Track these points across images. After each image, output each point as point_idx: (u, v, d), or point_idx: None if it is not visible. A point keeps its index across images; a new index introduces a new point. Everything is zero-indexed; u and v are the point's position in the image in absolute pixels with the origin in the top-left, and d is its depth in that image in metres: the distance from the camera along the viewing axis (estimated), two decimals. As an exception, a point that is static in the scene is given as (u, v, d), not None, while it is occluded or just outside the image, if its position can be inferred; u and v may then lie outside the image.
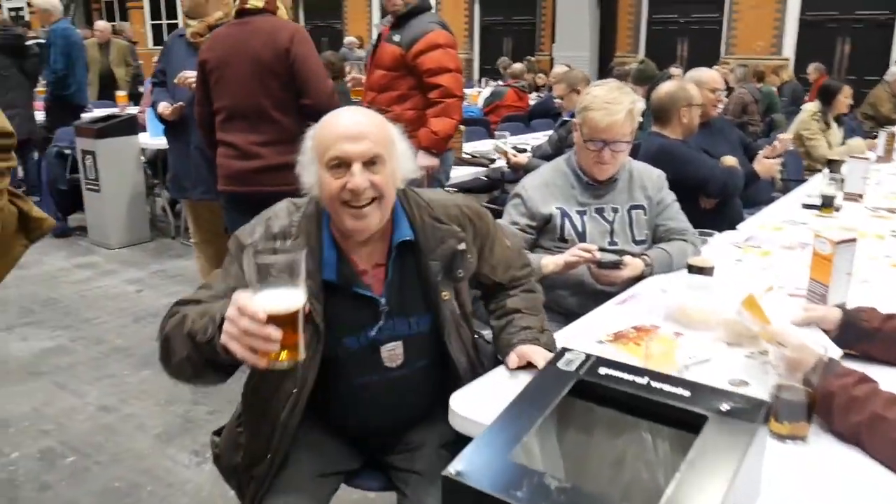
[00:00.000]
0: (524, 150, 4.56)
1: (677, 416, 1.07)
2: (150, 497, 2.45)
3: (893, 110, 7.33)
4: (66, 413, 2.99)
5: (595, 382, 1.14)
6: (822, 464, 1.27)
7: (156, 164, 5.73)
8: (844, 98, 5.49)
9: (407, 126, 3.58)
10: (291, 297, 1.13)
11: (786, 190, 4.97)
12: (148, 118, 5.25)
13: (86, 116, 6.06)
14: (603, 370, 1.17)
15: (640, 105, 2.31)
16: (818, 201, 3.25)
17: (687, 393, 1.09)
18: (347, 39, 13.31)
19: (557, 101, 4.39)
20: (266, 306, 1.11)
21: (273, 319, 1.11)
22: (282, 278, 1.12)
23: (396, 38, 3.30)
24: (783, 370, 1.35)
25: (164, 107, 3.61)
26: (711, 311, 1.85)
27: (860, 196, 3.46)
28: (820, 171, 5.22)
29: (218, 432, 1.72)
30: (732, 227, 2.96)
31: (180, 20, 3.53)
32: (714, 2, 13.27)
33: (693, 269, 2.11)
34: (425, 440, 1.63)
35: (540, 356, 1.54)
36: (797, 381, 1.34)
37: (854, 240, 1.91)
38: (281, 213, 1.53)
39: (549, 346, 1.61)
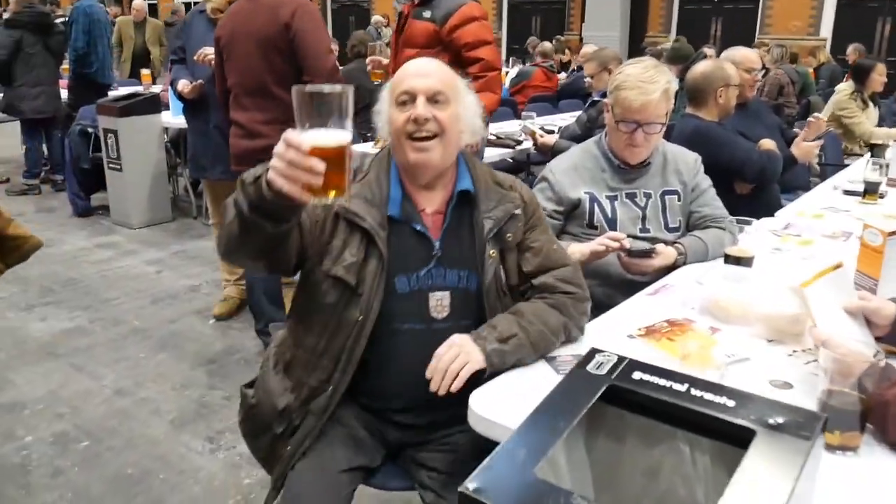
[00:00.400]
0: (551, 132, 4.42)
1: (720, 427, 0.96)
2: (161, 485, 2.40)
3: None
4: (81, 396, 2.95)
5: (628, 388, 1.03)
6: (874, 477, 1.16)
7: (178, 143, 5.68)
8: (878, 76, 5.28)
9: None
10: (338, 134, 1.12)
11: (823, 175, 4.78)
12: (170, 96, 5.19)
13: (111, 95, 6.02)
14: (637, 374, 1.06)
15: (675, 84, 2.18)
16: (861, 187, 3.09)
17: (731, 402, 0.98)
18: (375, 18, 13.17)
19: (587, 80, 4.24)
20: (312, 140, 1.11)
21: (318, 153, 1.11)
22: (329, 114, 1.11)
23: (427, 14, 3.16)
24: (834, 374, 1.23)
25: (184, 84, 3.54)
26: (750, 304, 1.73)
27: (905, 183, 3.30)
28: (859, 154, 5.07)
29: (250, 385, 1.69)
30: (770, 214, 2.82)
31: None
32: (750, -20, 12.90)
33: (730, 260, 1.98)
34: (460, 442, 1.56)
35: (450, 354, 1.43)
36: (848, 387, 1.22)
37: (905, 230, 1.78)
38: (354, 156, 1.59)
39: (490, 353, 1.45)
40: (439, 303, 1.57)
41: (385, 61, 3.65)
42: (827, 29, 12.30)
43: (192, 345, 3.45)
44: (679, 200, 2.26)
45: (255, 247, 1.37)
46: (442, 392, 1.43)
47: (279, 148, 1.13)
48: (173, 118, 5.27)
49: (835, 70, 8.88)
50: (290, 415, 1.56)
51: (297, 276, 1.62)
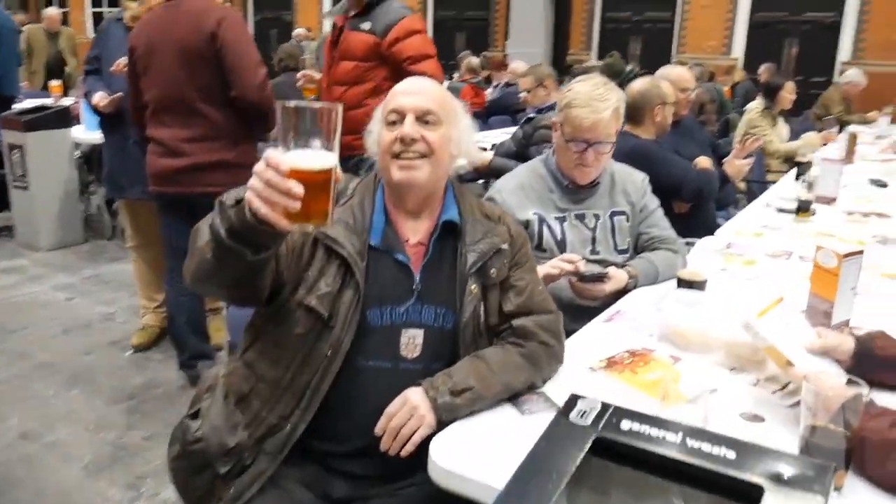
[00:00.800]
0: (484, 150, 4.35)
1: (723, 482, 0.87)
2: (76, 540, 2.17)
3: (844, 112, 7.40)
4: (-19, 441, 2.67)
5: (619, 441, 0.93)
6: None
7: (91, 159, 5.35)
8: (787, 94, 5.45)
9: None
10: (322, 157, 1.03)
11: (749, 191, 4.90)
12: (83, 110, 4.88)
13: (15, 107, 5.62)
14: (626, 424, 0.96)
15: (624, 102, 2.13)
16: (792, 205, 3.13)
17: (732, 454, 0.89)
18: (296, 32, 12.89)
19: (523, 95, 4.20)
20: (293, 161, 1.02)
21: (299, 176, 1.02)
22: (313, 134, 1.02)
23: (366, 25, 3.03)
24: (817, 410, 1.17)
25: (101, 97, 3.33)
26: (710, 331, 1.67)
27: (833, 199, 3.37)
28: (779, 171, 5.22)
29: (194, 415, 1.51)
30: (708, 233, 2.81)
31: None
32: (667, 0, 13.30)
33: (683, 283, 1.94)
34: (413, 496, 1.42)
35: (402, 415, 1.35)
36: (832, 423, 1.16)
37: (861, 252, 1.76)
38: (349, 183, 1.53)
39: (440, 408, 1.34)
40: (411, 341, 1.46)
41: (317, 76, 3.50)
42: (739, 49, 12.79)
43: (108, 379, 3.19)
44: (627, 221, 2.21)
45: (230, 275, 1.25)
46: (392, 453, 1.35)
47: (259, 167, 1.04)
48: (86, 133, 4.96)
49: (749, 88, 9.21)
50: (242, 453, 1.41)
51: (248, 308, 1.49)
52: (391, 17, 3.00)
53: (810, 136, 5.72)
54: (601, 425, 0.97)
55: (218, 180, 2.45)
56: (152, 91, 2.77)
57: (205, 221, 1.24)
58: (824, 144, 5.53)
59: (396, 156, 1.44)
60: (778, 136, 5.53)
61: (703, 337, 1.68)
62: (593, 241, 2.15)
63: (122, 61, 3.07)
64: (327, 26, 3.47)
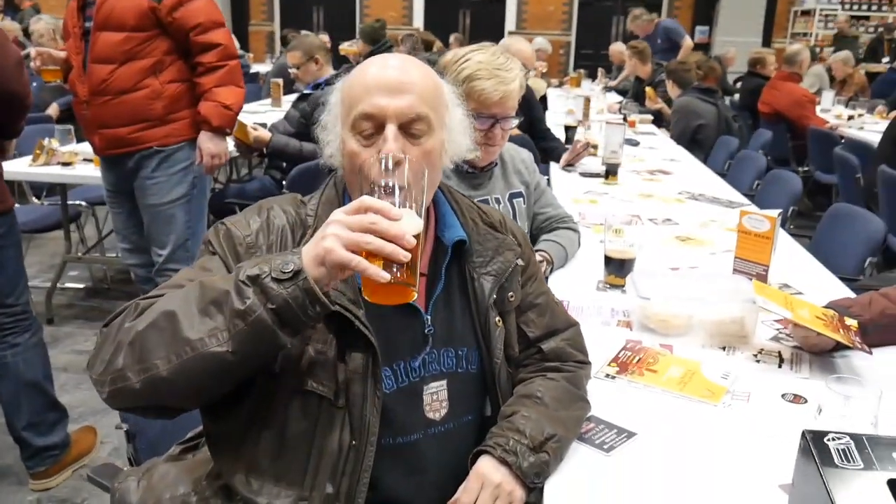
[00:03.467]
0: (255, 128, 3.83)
1: None
2: None
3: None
4: None
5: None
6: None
7: None
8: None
9: (174, 105, 2.66)
10: (413, 216, 0.90)
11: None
12: None
13: None
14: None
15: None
16: (600, 171, 3.25)
17: None
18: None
19: (293, 71, 3.75)
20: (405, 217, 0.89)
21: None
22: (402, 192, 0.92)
23: (139, -15, 2.38)
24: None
25: None
26: (692, 312, 1.60)
27: (619, 163, 3.56)
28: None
29: None
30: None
31: None
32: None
33: (614, 263, 1.85)
34: None
35: (487, 499, 1.06)
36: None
37: (780, 214, 1.82)
38: (283, 205, 1.14)
39: (527, 473, 1.07)
40: (435, 399, 1.14)
41: (60, 54, 2.69)
42: (419, 20, 13.33)
43: None
44: (525, 203, 2.05)
45: (240, 375, 0.93)
46: None
47: (345, 216, 0.87)
48: None
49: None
50: None
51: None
52: None
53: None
54: (875, 464, 0.80)
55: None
56: None
57: (190, 307, 0.89)
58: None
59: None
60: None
61: (685, 320, 1.60)
62: (503, 228, 1.95)
63: None
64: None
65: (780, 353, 1.53)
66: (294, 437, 1.01)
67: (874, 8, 12.00)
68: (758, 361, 1.50)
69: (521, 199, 2.04)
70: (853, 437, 0.84)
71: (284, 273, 0.86)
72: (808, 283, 1.92)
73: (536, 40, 8.40)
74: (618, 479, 1.10)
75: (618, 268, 1.85)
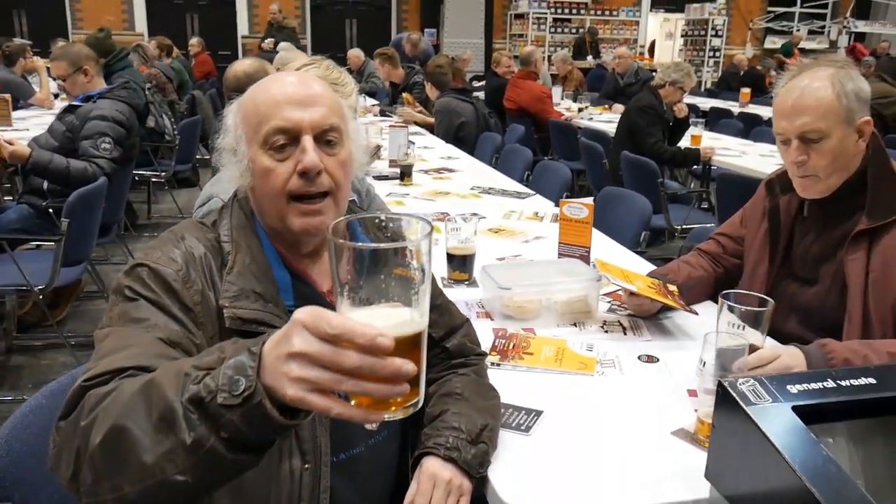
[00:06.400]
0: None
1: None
2: None
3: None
4: None
5: (820, 403, 0.98)
6: None
7: None
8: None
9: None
10: (407, 311, 0.70)
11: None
12: None
13: None
14: (793, 388, 1.01)
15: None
16: (389, 173, 3.37)
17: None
18: None
19: (59, 83, 3.35)
20: (385, 325, 0.67)
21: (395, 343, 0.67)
22: (396, 280, 0.68)
23: None
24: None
25: None
26: (543, 295, 1.76)
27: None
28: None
29: None
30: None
31: None
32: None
33: (456, 259, 1.97)
34: None
35: (439, 496, 1.10)
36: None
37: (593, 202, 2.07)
38: (192, 232, 1.10)
39: (471, 465, 1.13)
40: None
41: None
42: (142, 23, 12.47)
43: None
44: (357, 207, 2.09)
45: (209, 491, 0.82)
46: None
47: (309, 345, 0.67)
48: None
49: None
50: None
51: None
52: None
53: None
54: (780, 396, 1.00)
55: None
56: None
57: (140, 433, 0.76)
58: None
59: (297, 197, 1.07)
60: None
61: (538, 303, 1.76)
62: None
63: None
64: None
65: (619, 321, 1.76)
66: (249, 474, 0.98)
67: (574, 11, 13.62)
68: (606, 332, 1.70)
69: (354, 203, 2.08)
70: (755, 379, 1.03)
71: (234, 396, 0.71)
72: (612, 258, 2.20)
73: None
74: (543, 453, 1.21)
75: (461, 264, 1.97)
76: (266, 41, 8.75)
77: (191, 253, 1.06)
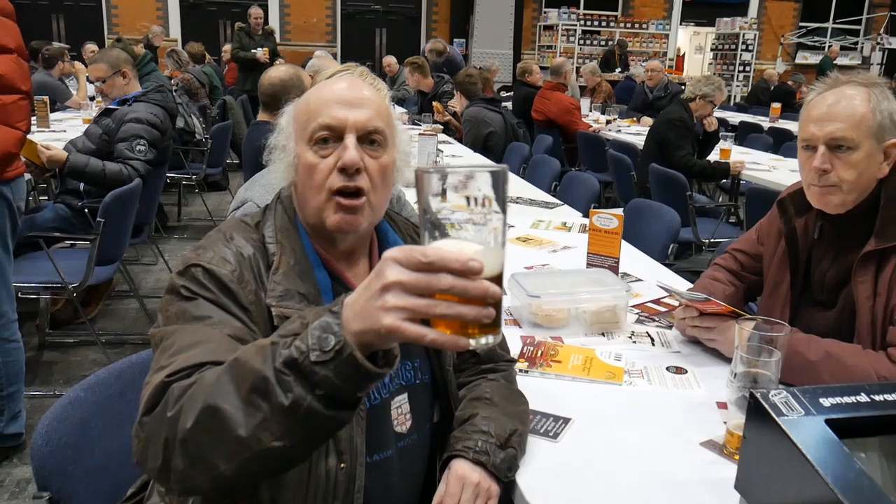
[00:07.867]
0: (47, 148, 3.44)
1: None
2: None
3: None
4: None
5: (851, 417, 0.97)
6: None
7: None
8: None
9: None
10: (493, 237, 0.74)
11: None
12: None
13: None
14: (825, 401, 1.01)
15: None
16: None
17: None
18: None
19: (97, 85, 3.42)
20: (473, 254, 0.71)
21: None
22: (480, 216, 0.72)
23: None
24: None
25: None
26: (572, 304, 1.76)
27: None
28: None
29: None
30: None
31: None
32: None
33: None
34: None
35: (468, 497, 1.11)
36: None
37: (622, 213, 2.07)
38: (239, 232, 1.13)
39: (500, 469, 1.14)
40: (400, 412, 1.19)
41: None
42: (176, 29, 12.67)
43: None
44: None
45: (303, 457, 0.93)
46: None
47: (402, 274, 0.71)
48: None
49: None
50: None
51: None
52: None
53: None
54: (812, 409, 0.99)
55: None
56: None
57: (232, 409, 0.80)
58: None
59: (338, 192, 1.10)
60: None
61: (566, 312, 1.76)
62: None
63: None
64: None
65: (647, 332, 1.75)
66: (291, 472, 1.00)
67: (603, 24, 13.61)
68: (634, 342, 1.70)
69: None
70: (787, 390, 1.03)
71: (325, 352, 0.76)
72: (641, 270, 2.21)
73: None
74: (570, 460, 1.21)
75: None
76: (260, 51, 8.34)
77: (241, 253, 1.08)
